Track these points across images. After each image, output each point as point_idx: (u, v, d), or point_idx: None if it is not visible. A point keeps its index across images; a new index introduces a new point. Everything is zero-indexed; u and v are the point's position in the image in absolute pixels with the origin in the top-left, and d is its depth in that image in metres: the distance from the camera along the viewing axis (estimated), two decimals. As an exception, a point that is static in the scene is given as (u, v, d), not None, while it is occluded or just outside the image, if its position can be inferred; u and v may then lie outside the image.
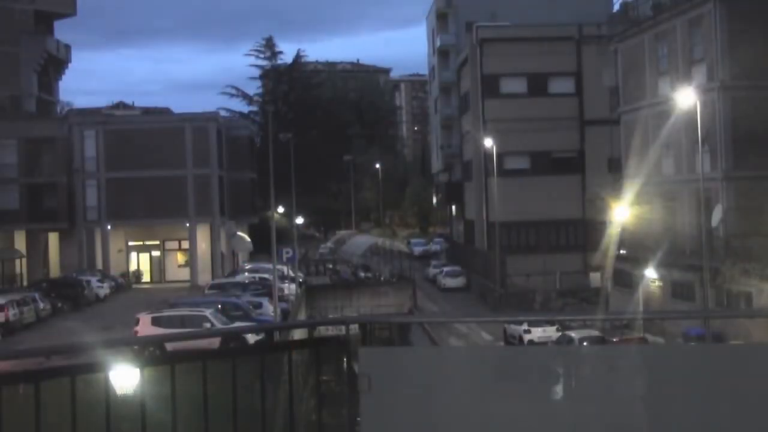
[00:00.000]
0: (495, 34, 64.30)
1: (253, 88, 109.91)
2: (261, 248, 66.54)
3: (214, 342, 21.25)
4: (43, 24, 77.03)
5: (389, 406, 4.34)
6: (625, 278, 45.48)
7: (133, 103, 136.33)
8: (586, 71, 61.96)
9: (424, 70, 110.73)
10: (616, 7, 65.35)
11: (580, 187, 61.93)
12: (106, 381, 4.22)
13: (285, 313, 41.16)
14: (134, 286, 65.54)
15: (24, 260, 65.92)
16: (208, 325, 34.68)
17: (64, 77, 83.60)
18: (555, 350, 9.84)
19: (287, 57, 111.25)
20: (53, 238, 68.40)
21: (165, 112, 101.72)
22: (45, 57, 75.12)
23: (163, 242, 70.42)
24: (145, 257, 71.00)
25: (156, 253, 71.00)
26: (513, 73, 62.68)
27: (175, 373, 4.32)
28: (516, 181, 61.40)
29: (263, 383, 4.55)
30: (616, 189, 49.69)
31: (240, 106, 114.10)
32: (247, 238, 71.89)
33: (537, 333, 40.84)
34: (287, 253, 48.63)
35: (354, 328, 4.75)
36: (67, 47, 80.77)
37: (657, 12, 44.30)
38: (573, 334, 37.32)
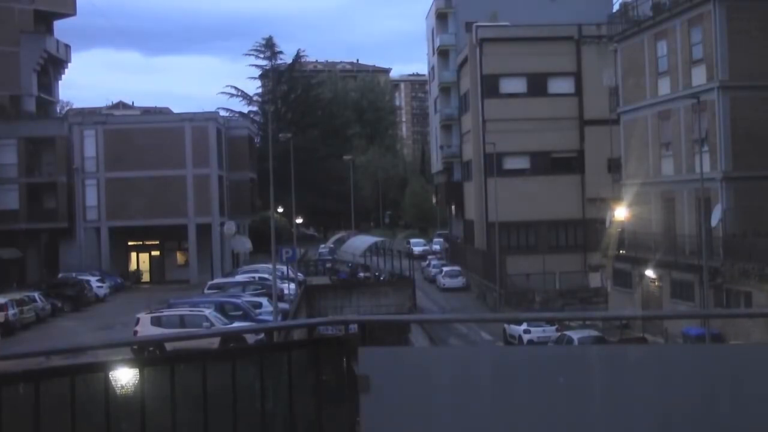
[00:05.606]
0: (495, 34, 64.27)
1: (253, 88, 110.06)
2: (261, 248, 66.52)
3: (214, 342, 21.23)
4: (43, 24, 76.97)
5: (389, 406, 4.35)
6: (625, 278, 45.48)
7: (133, 103, 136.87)
8: (586, 71, 61.93)
9: (424, 70, 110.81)
10: (616, 7, 65.38)
11: (580, 187, 61.91)
12: (106, 381, 4.22)
13: (285, 313, 41.12)
14: (134, 286, 65.49)
15: (24, 260, 65.87)
16: (207, 324, 34.65)
17: (63, 77, 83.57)
18: (554, 350, 9.84)
19: (287, 57, 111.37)
20: (53, 238, 68.34)
21: (165, 111, 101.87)
22: (45, 57, 75.06)
23: (163, 242, 70.40)
24: (145, 257, 70.97)
25: (156, 253, 70.99)
26: (513, 73, 62.67)
27: (175, 373, 4.33)
28: (516, 181, 61.43)
29: (263, 383, 4.55)
30: (616, 189, 49.72)
31: (240, 105, 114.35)
32: (247, 238, 71.89)
33: (536, 333, 40.91)
34: (287, 253, 48.54)
35: (354, 328, 4.76)
36: (67, 47, 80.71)
37: (657, 12, 44.27)
38: (572, 334, 37.34)
